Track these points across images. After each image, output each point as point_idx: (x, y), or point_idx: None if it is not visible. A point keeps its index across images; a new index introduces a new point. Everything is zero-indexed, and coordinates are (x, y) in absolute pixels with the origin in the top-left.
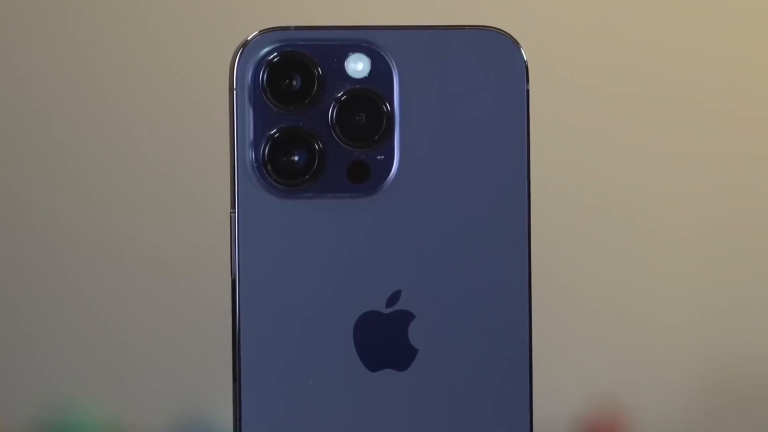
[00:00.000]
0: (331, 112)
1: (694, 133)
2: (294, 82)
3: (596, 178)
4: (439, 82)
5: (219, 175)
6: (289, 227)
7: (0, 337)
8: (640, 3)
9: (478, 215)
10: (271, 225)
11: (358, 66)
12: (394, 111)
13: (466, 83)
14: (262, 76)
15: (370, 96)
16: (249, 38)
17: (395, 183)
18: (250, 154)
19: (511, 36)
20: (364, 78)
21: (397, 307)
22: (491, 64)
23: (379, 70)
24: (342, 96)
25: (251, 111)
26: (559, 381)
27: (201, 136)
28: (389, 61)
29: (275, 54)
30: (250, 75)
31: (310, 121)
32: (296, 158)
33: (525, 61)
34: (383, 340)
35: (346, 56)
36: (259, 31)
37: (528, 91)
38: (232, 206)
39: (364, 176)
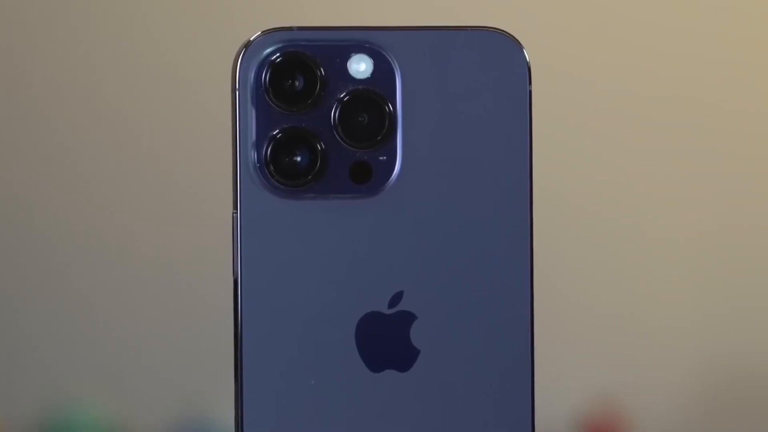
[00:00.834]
0: (334, 113)
1: (694, 133)
2: (296, 83)
3: (598, 179)
4: (442, 82)
5: (221, 175)
6: (291, 228)
7: (0, 337)
8: (642, 3)
9: (480, 216)
10: (274, 225)
11: (360, 66)
12: (396, 111)
13: (468, 84)
14: (265, 76)
15: (373, 96)
16: (252, 39)
17: (397, 183)
18: (253, 155)
19: (514, 37)
20: (367, 78)
21: (399, 307)
22: (494, 65)
23: (382, 70)
24: (344, 96)
25: (254, 111)
26: (560, 381)
27: (203, 136)
28: (392, 62)
29: (278, 54)
30: (252, 75)
31: (312, 121)
32: (298, 159)
33: (527, 62)
34: (385, 341)
35: (348, 57)
36: (262, 32)
37: (530, 91)
38: (235, 206)
39: (366, 177)
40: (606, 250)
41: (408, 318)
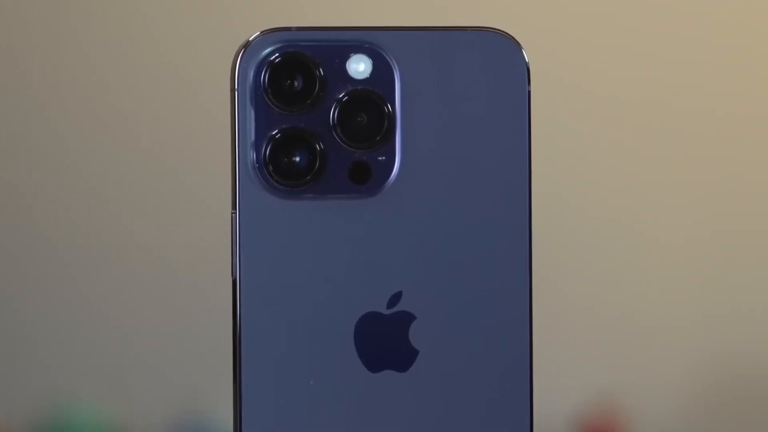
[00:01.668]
0: (333, 113)
1: (694, 133)
2: (295, 83)
3: (597, 179)
4: (441, 82)
5: (220, 175)
6: (290, 228)
7: (0, 337)
8: (641, 5)
9: (479, 216)
10: (273, 226)
11: (359, 67)
12: (395, 112)
13: (467, 84)
14: (264, 76)
15: (372, 97)
16: (250, 39)
17: (396, 184)
18: (252, 155)
19: (513, 37)
20: (366, 79)
21: (398, 308)
22: (493, 65)
23: (381, 70)
24: (343, 97)
25: (253, 112)
26: (558, 381)
27: (202, 136)
28: (390, 62)
29: (277, 55)
30: (251, 75)
31: (311, 121)
32: (297, 159)
33: (526, 62)
34: (384, 341)
35: (347, 57)
36: (261, 32)
37: (529, 92)
38: (234, 207)
39: (365, 177)
40: (604, 249)
41: (407, 318)
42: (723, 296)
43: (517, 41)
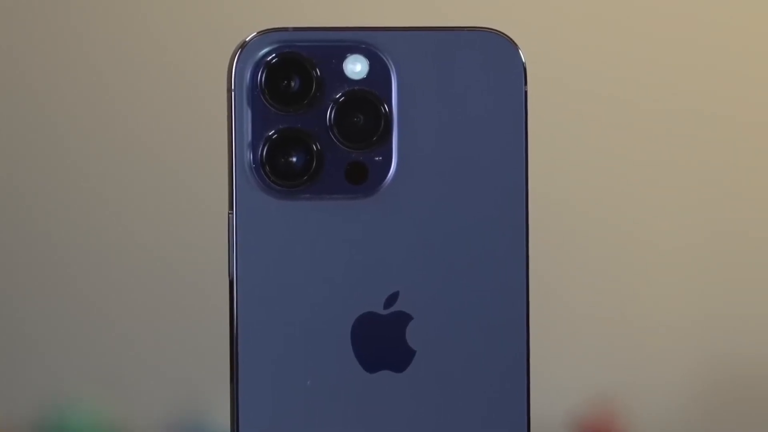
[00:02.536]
0: (330, 113)
1: (693, 134)
2: (292, 83)
3: (595, 179)
4: (438, 83)
5: (217, 175)
6: (287, 228)
7: None
8: (639, 6)
9: (476, 216)
10: (269, 226)
11: (356, 67)
12: (392, 112)
13: (464, 84)
14: (261, 77)
15: (369, 97)
16: (247, 39)
17: (393, 184)
18: (249, 155)
19: (510, 37)
20: (363, 79)
21: (395, 308)
22: (490, 66)
23: (378, 71)
24: (340, 97)
25: (249, 112)
26: (556, 381)
27: (199, 136)
28: (387, 63)
29: (273, 55)
30: (248, 76)
31: (308, 122)
32: (294, 159)
33: (523, 63)
34: (381, 342)
35: (344, 57)
36: (258, 32)
37: (526, 92)
38: (230, 207)
39: (362, 177)
40: (602, 249)
41: (404, 319)
42: (721, 296)
43: (514, 41)
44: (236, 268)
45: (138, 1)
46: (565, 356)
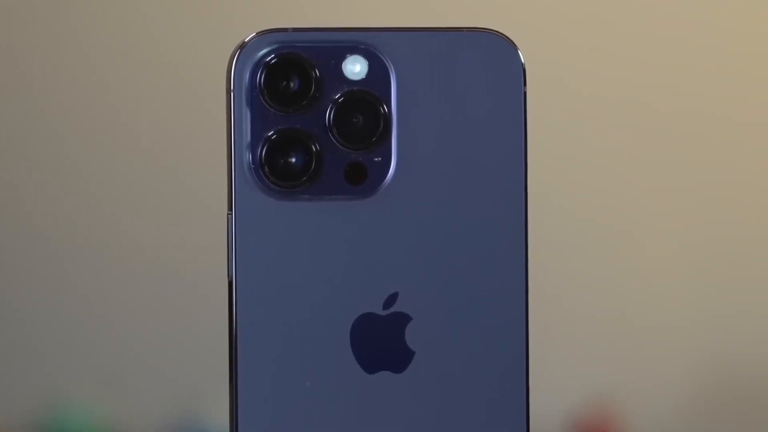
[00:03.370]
0: (329, 114)
1: (691, 134)
2: (291, 84)
3: (594, 179)
4: (437, 83)
5: (216, 176)
6: (286, 229)
7: None
8: (638, 7)
9: (475, 217)
10: (269, 226)
11: (355, 68)
12: (391, 113)
13: (463, 85)
14: (260, 77)
15: (368, 98)
16: (246, 40)
17: (392, 185)
18: (248, 156)
19: (509, 38)
20: (362, 80)
21: (394, 309)
22: (489, 66)
23: (377, 71)
24: (339, 98)
25: (248, 112)
26: (555, 382)
27: (198, 137)
28: (386, 63)
29: (273, 56)
30: (247, 76)
31: (307, 122)
32: (293, 160)
33: (522, 63)
34: (380, 343)
35: (343, 58)
36: (257, 33)
37: (525, 93)
38: (230, 208)
39: (361, 178)
40: (600, 250)
41: (403, 319)
42: (719, 297)
43: (513, 42)
44: (235, 269)
45: (137, 1)
46: (564, 356)
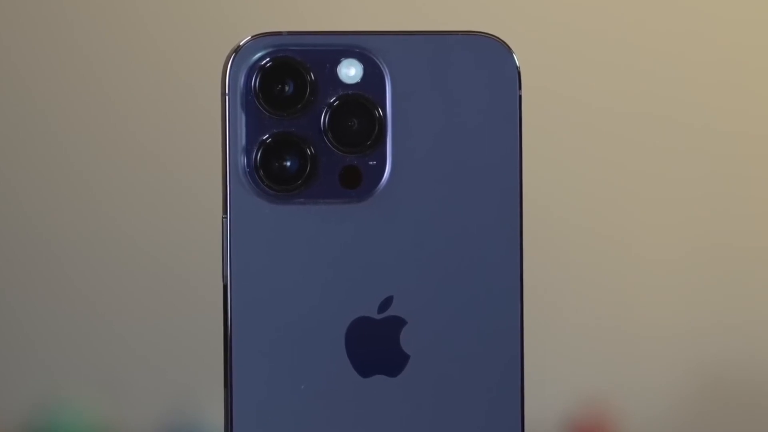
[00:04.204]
0: (324, 118)
1: (687, 141)
2: (286, 88)
3: (589, 183)
4: (432, 87)
5: (211, 180)
6: (281, 233)
7: None
8: (635, 9)
9: (470, 221)
10: (263, 230)
11: (350, 71)
12: (386, 116)
13: (458, 88)
14: (255, 81)
15: (363, 101)
16: (241, 43)
17: (387, 188)
18: (243, 160)
19: (504, 41)
20: (357, 83)
21: (389, 312)
22: (484, 70)
23: (372, 75)
24: (334, 101)
25: (243, 116)
26: (549, 384)
27: (193, 141)
28: (382, 67)
29: (267, 59)
30: (242, 80)
31: (302, 126)
32: (288, 164)
33: (517, 67)
34: (375, 346)
35: (338, 61)
36: (252, 37)
37: (520, 96)
38: (224, 211)
39: (356, 182)
40: (594, 253)
41: (398, 323)
42: (712, 300)
43: (508, 45)
44: (230, 273)
45: (133, 5)
46: (557, 359)
